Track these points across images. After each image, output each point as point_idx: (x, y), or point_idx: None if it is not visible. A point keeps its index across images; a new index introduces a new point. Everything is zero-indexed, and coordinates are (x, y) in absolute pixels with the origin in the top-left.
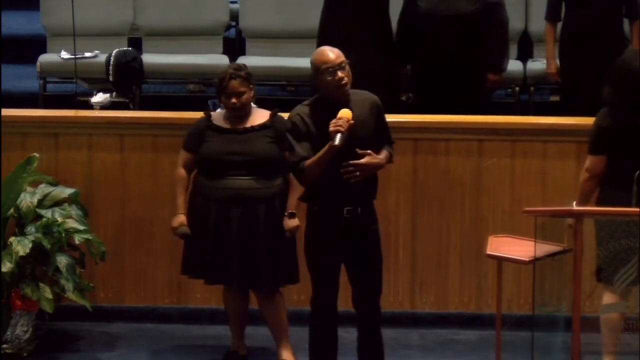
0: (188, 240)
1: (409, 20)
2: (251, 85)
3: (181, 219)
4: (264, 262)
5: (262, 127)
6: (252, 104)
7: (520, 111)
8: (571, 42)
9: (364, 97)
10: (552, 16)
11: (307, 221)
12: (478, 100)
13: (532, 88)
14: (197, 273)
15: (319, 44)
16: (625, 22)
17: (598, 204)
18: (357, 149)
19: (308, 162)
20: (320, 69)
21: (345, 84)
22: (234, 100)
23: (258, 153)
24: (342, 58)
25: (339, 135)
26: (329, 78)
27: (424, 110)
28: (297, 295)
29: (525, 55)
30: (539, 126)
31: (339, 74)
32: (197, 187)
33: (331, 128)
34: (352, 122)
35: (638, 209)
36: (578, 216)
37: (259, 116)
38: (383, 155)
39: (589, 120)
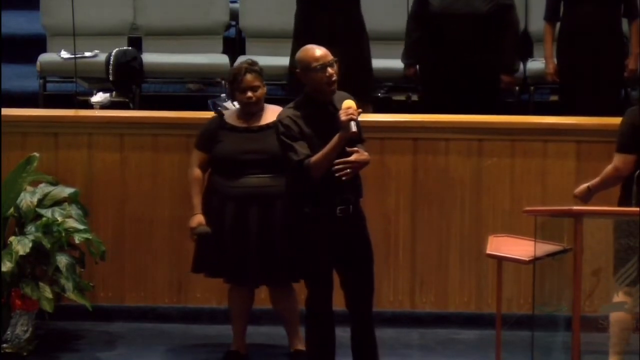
0: (204, 238)
1: (420, 20)
2: (264, 82)
3: (199, 218)
4: (281, 257)
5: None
6: (268, 105)
7: (520, 111)
8: (570, 41)
9: (342, 95)
10: (550, 16)
11: (298, 223)
12: (488, 99)
13: (532, 88)
14: (213, 272)
15: (296, 44)
16: (624, 21)
17: (621, 204)
18: (345, 147)
19: (313, 158)
20: (310, 66)
21: (335, 81)
22: (249, 94)
23: (274, 151)
24: (331, 56)
25: (352, 123)
26: (320, 75)
27: (431, 109)
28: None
29: (525, 55)
30: (539, 126)
31: (330, 70)
32: (213, 186)
33: (343, 118)
34: (360, 110)
35: (638, 209)
36: (578, 216)
37: (272, 113)
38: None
39: (589, 120)
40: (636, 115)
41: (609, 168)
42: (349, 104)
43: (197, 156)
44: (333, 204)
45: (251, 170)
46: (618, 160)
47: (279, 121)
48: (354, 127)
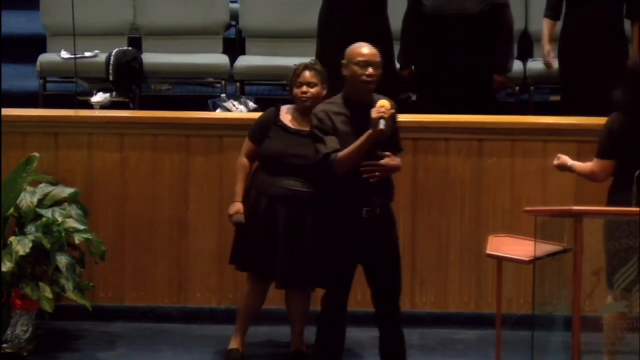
0: (239, 230)
1: (415, 21)
2: (324, 85)
3: (238, 206)
4: (309, 262)
5: None
6: None
7: (520, 111)
8: (571, 42)
9: (382, 99)
10: (550, 15)
11: (324, 221)
12: (482, 99)
13: (532, 88)
14: (243, 265)
15: (320, 42)
16: (626, 22)
17: (612, 195)
18: (377, 150)
19: (340, 153)
20: (353, 60)
21: (371, 82)
22: (304, 88)
23: None
24: (378, 59)
25: (382, 121)
26: (360, 70)
27: (427, 109)
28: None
29: (525, 55)
30: (539, 126)
31: (370, 69)
32: (254, 180)
33: (374, 115)
34: (393, 110)
35: (638, 209)
36: (578, 216)
37: None
38: (398, 159)
39: (589, 120)
40: (614, 121)
41: (588, 169)
42: (383, 103)
43: (246, 145)
44: (359, 204)
45: (290, 173)
46: (596, 165)
47: (313, 114)
48: (382, 125)
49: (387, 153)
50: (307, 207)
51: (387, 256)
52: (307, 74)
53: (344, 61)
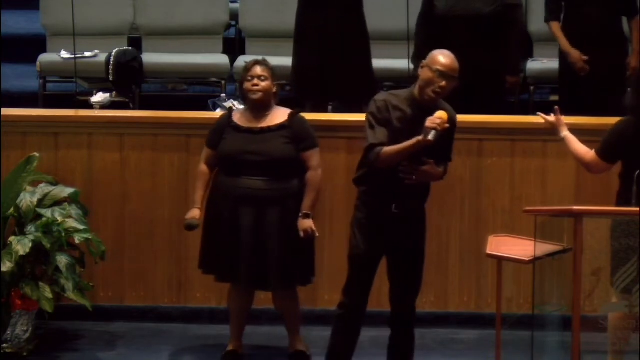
0: (206, 235)
1: (429, 22)
2: (275, 81)
3: (194, 212)
4: (276, 262)
5: (279, 127)
6: (278, 107)
7: (520, 111)
8: (571, 42)
9: (446, 109)
10: (552, 18)
11: (356, 208)
12: (492, 100)
13: (532, 88)
14: (209, 269)
15: (297, 44)
16: (625, 22)
17: (620, 197)
18: (422, 155)
19: (385, 149)
20: (432, 65)
21: (439, 94)
22: (255, 81)
23: (272, 154)
24: (455, 73)
25: (433, 132)
26: (433, 79)
27: None
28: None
29: (525, 55)
30: (539, 126)
31: (443, 82)
32: (216, 183)
33: (427, 124)
34: (447, 125)
35: (638, 209)
36: (578, 216)
37: (278, 116)
38: (441, 169)
39: (589, 120)
40: (627, 125)
41: (586, 159)
42: (441, 114)
43: (204, 152)
44: (390, 199)
45: (249, 171)
46: (594, 160)
47: (374, 100)
48: (431, 135)
49: (431, 161)
50: (270, 206)
51: (410, 255)
52: (257, 68)
53: (424, 61)
